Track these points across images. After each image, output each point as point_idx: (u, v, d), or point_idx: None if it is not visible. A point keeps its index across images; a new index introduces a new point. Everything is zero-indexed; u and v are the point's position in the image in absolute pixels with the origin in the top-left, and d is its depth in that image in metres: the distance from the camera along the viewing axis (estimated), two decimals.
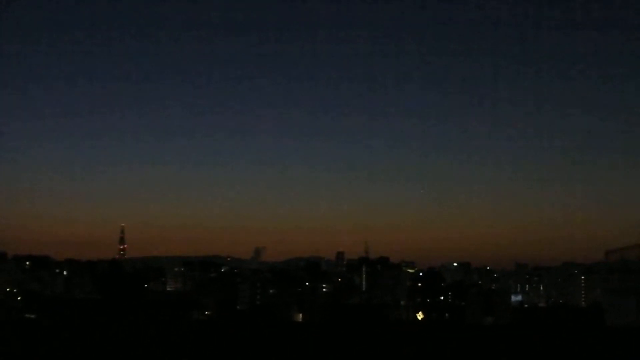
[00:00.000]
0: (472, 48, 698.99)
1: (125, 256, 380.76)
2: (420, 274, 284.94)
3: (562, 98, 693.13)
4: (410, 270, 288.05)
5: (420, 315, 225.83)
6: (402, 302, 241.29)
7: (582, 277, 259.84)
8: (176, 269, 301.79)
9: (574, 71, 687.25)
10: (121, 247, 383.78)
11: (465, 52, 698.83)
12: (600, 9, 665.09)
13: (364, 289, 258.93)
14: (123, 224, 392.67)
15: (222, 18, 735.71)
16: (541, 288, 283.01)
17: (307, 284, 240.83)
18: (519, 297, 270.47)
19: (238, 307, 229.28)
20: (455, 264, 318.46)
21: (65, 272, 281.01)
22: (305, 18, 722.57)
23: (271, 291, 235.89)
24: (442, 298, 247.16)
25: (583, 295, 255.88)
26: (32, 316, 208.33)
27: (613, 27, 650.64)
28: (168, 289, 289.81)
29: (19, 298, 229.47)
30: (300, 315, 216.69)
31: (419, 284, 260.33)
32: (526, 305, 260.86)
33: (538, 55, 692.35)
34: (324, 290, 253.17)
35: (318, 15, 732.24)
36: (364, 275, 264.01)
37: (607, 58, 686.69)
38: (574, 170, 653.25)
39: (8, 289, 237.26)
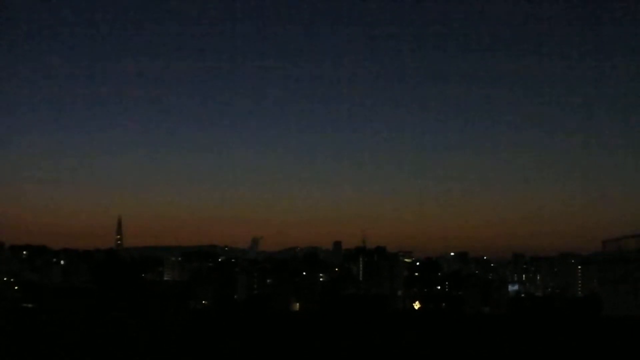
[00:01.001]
0: (473, 44, 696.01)
1: (123, 246, 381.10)
2: (418, 263, 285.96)
3: (561, 90, 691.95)
4: (407, 260, 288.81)
5: (417, 305, 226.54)
6: (400, 292, 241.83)
7: (579, 267, 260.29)
8: (173, 259, 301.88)
9: (571, 66, 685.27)
10: (118, 236, 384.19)
11: (465, 48, 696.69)
12: (600, 6, 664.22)
13: (361, 278, 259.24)
14: (120, 214, 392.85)
15: (224, 7, 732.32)
16: (538, 278, 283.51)
17: (304, 273, 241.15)
18: (516, 287, 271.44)
19: (235, 297, 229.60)
20: (452, 254, 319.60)
21: (62, 262, 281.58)
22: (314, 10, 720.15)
23: (269, 281, 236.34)
24: (439, 288, 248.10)
25: (580, 285, 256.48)
26: (29, 305, 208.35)
27: (614, 24, 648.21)
28: (165, 278, 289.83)
29: (16, 287, 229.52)
30: (298, 305, 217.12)
31: (416, 274, 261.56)
32: (523, 295, 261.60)
33: (537, 51, 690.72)
34: (322, 280, 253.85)
35: (322, 9, 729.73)
36: (361, 265, 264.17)
37: (606, 54, 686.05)
38: (571, 160, 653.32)
39: (5, 279, 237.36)
